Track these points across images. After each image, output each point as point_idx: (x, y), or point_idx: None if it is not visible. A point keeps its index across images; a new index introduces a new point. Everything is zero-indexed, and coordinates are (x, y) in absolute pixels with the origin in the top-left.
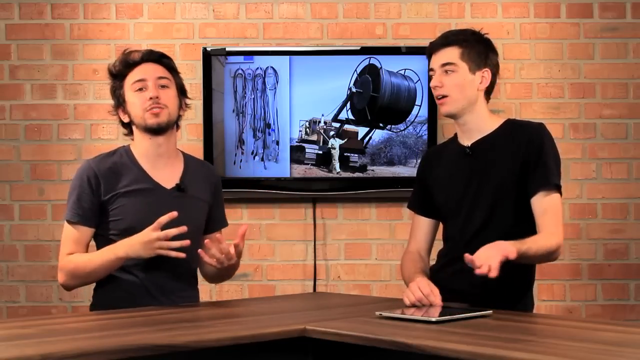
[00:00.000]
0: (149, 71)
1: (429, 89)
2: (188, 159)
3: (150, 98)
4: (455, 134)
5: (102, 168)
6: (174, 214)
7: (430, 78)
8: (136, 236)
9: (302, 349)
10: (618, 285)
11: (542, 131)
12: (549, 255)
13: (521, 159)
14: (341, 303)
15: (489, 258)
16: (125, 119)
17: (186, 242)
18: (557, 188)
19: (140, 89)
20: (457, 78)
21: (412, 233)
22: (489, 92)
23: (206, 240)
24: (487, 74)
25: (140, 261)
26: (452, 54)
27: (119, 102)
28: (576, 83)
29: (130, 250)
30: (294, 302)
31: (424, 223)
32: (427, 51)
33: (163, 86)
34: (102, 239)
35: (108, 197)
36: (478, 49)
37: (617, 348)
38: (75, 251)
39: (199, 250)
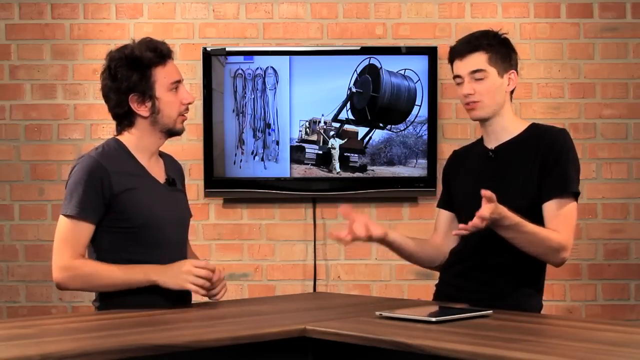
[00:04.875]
0: (177, 71)
1: (429, 89)
2: (160, 152)
3: (185, 103)
4: (482, 135)
5: (110, 163)
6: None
7: (458, 84)
8: (172, 265)
9: (302, 349)
10: (618, 285)
11: (564, 137)
12: (547, 247)
13: (539, 164)
14: (341, 303)
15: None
16: (145, 113)
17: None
18: (574, 195)
19: (175, 89)
20: (488, 84)
21: (435, 226)
22: (511, 91)
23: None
24: (513, 75)
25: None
26: (479, 59)
27: (146, 95)
28: (576, 83)
29: (161, 278)
30: (294, 302)
31: (444, 216)
32: (450, 56)
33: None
34: (113, 236)
35: (120, 192)
36: (502, 51)
37: (617, 348)
38: (76, 252)
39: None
